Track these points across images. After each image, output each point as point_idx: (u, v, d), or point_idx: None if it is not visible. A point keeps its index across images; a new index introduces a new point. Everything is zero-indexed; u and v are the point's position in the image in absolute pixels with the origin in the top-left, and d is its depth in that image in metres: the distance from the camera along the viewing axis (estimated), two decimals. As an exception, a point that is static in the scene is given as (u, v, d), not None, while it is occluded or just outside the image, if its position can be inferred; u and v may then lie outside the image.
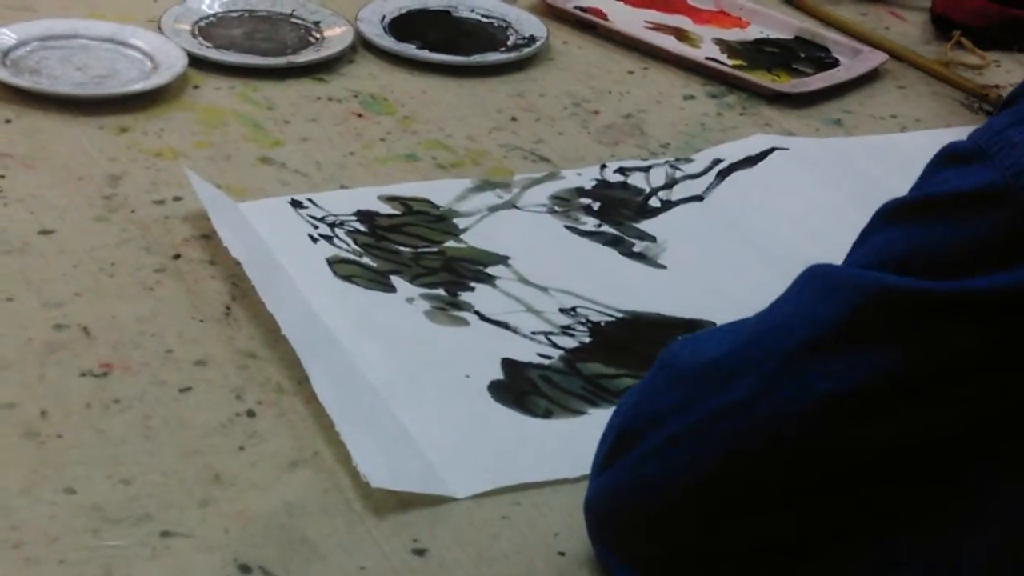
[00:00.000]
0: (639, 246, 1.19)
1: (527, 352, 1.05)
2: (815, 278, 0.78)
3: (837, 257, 1.14)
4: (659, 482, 0.80)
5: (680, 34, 1.55)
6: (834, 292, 0.76)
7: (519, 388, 1.02)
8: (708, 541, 0.80)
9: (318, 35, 1.44)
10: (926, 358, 0.74)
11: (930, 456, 0.75)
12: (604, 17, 1.55)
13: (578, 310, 1.10)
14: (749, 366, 0.77)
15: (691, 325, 1.10)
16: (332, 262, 1.12)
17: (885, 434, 0.75)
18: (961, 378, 0.74)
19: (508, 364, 1.04)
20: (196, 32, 1.41)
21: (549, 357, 1.05)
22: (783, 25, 1.58)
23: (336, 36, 1.44)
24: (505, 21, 1.52)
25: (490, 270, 1.14)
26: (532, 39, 1.48)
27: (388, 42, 1.44)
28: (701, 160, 1.31)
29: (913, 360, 0.74)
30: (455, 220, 1.19)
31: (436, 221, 1.19)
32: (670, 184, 1.27)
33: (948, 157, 0.76)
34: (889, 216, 0.77)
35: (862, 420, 0.75)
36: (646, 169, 1.29)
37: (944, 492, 0.76)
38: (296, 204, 1.18)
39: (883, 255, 0.75)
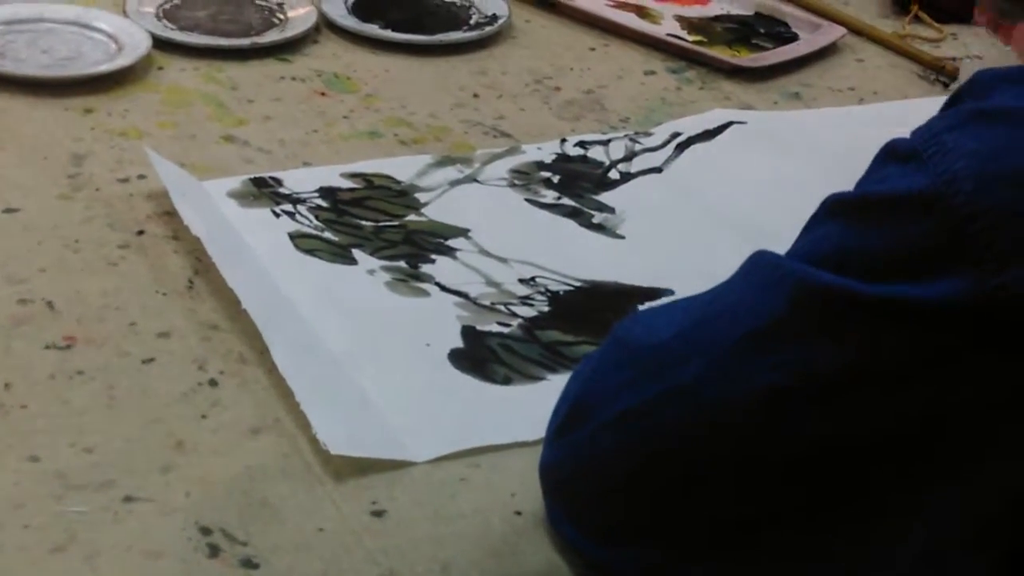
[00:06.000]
0: (598, 217, 1.21)
1: (487, 321, 1.07)
2: (759, 267, 0.79)
3: (793, 226, 1.16)
4: (611, 456, 0.83)
5: (641, 11, 1.56)
6: (776, 285, 0.77)
7: (479, 356, 1.03)
8: (656, 515, 0.82)
9: (282, 16, 1.45)
10: (861, 358, 0.75)
11: (871, 456, 0.77)
12: (566, -4, 1.57)
13: (537, 280, 1.12)
14: (696, 351, 0.79)
15: (650, 293, 1.12)
16: (294, 236, 1.13)
17: (823, 429, 0.77)
18: (897, 379, 0.75)
19: (468, 332, 1.05)
20: (160, 14, 1.43)
21: (508, 325, 1.07)
22: (742, 1, 1.60)
23: (299, 16, 1.45)
24: (467, 0, 1.53)
25: (451, 242, 1.15)
26: (494, 18, 1.49)
27: (351, 22, 1.46)
28: (660, 133, 1.33)
29: (849, 358, 0.75)
30: (416, 195, 1.21)
31: (397, 196, 1.20)
32: (629, 157, 1.29)
33: (890, 153, 0.77)
34: (832, 210, 0.78)
35: (802, 411, 0.77)
36: (606, 142, 1.31)
37: (889, 488, 0.78)
38: (259, 182, 1.20)
39: (824, 249, 0.77)
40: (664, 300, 1.10)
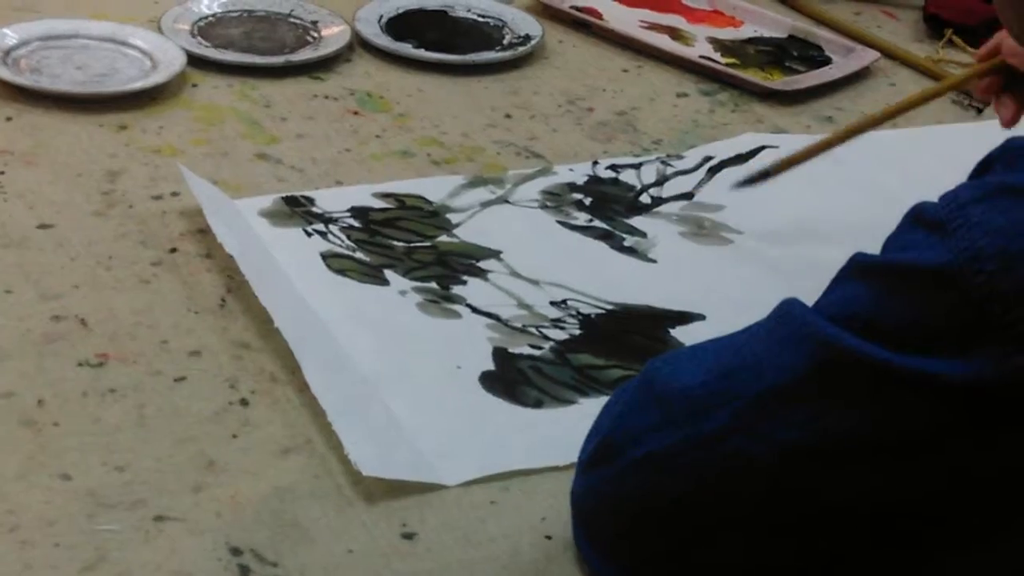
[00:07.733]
0: (629, 241, 1.21)
1: (518, 344, 1.07)
2: (787, 319, 0.79)
3: (823, 251, 1.16)
4: (635, 496, 0.83)
5: (674, 33, 1.56)
6: (801, 342, 0.77)
7: (510, 378, 1.03)
8: (678, 556, 0.82)
9: (316, 34, 1.46)
10: (880, 424, 0.75)
11: (888, 518, 0.77)
12: (599, 16, 1.57)
13: (568, 303, 1.12)
14: (720, 402, 0.79)
15: (680, 318, 1.12)
16: (326, 256, 1.13)
17: (841, 489, 0.77)
18: (914, 448, 0.75)
19: (499, 355, 1.05)
20: (195, 32, 1.43)
21: (540, 348, 1.06)
22: (776, 24, 1.60)
23: (333, 35, 1.45)
24: (501, 20, 1.53)
25: (482, 264, 1.15)
26: (527, 38, 1.50)
27: (385, 41, 1.46)
28: (692, 157, 1.33)
29: (867, 424, 0.75)
30: (448, 215, 1.21)
31: (429, 216, 1.20)
32: (661, 181, 1.29)
33: (917, 217, 0.77)
34: (859, 271, 0.78)
35: (819, 472, 0.77)
36: (637, 166, 1.31)
37: (901, 557, 0.78)
38: (291, 201, 1.20)
39: (850, 310, 0.76)
40: (695, 325, 1.11)
